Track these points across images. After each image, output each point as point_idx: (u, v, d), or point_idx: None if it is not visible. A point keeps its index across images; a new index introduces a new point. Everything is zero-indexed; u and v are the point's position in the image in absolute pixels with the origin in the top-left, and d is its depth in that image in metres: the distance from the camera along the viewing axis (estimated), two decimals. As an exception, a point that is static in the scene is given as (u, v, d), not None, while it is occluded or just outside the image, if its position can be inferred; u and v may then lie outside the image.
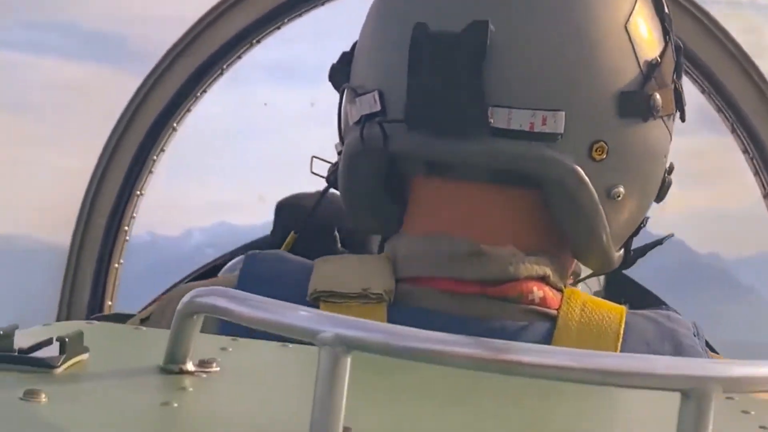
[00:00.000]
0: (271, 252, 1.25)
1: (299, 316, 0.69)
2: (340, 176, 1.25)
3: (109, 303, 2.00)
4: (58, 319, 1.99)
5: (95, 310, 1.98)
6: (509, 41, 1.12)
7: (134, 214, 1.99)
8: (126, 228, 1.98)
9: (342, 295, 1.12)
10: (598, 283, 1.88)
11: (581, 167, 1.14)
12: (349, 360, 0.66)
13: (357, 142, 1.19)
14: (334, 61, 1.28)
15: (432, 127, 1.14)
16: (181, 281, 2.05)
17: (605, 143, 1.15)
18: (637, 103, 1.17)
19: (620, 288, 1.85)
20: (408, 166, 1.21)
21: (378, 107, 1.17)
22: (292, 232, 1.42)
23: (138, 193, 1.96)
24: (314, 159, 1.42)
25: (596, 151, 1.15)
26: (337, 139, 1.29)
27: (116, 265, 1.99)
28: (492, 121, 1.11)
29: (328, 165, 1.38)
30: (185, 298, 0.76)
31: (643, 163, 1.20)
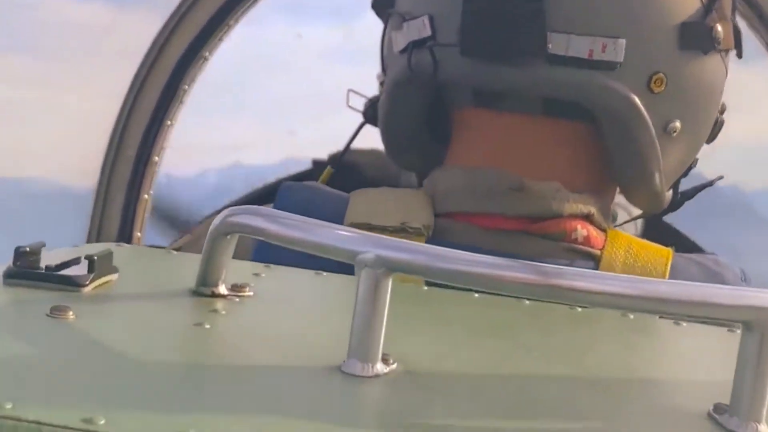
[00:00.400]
0: (306, 183, 1.22)
1: (338, 235, 0.66)
2: (381, 106, 1.20)
3: (138, 234, 1.98)
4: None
5: (124, 241, 1.96)
6: None
7: (164, 145, 1.96)
8: (156, 159, 1.95)
9: (379, 228, 1.09)
10: (635, 227, 1.83)
11: (639, 99, 1.10)
12: (390, 282, 0.63)
13: (404, 69, 1.15)
14: None
15: (486, 53, 1.09)
16: (212, 214, 2.03)
17: (664, 75, 1.11)
18: (699, 34, 1.12)
19: (659, 233, 1.80)
20: (455, 96, 1.17)
21: (428, 32, 1.12)
22: (329, 167, 1.38)
23: (168, 123, 1.93)
24: (350, 92, 1.38)
25: (655, 82, 1.11)
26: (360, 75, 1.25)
27: (146, 196, 1.96)
28: (550, 47, 1.07)
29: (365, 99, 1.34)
30: (218, 218, 0.73)
31: (700, 99, 1.16)
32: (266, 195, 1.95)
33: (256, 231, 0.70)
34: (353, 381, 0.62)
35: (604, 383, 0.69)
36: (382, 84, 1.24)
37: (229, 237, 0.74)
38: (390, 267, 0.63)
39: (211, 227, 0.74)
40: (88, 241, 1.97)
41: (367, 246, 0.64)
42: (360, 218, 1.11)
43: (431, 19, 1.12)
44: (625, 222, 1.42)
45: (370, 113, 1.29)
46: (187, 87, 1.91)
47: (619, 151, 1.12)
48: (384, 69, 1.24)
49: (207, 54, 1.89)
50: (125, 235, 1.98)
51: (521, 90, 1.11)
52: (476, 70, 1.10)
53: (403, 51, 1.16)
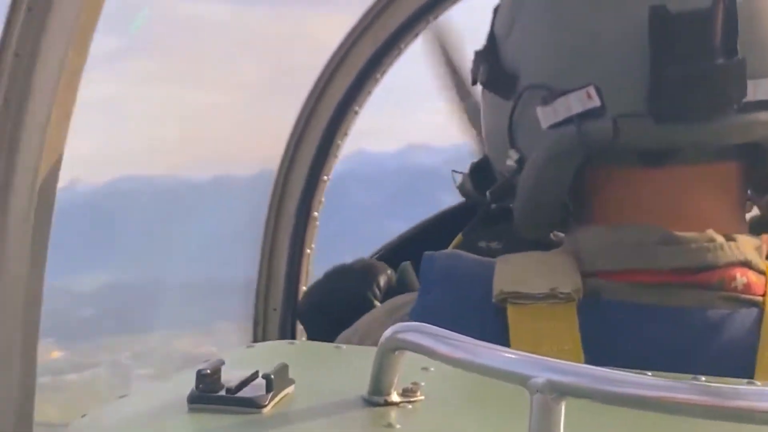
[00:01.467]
0: (447, 252, 1.21)
1: (506, 359, 0.66)
2: (528, 183, 1.15)
3: (304, 288, 2.03)
4: (256, 304, 2.03)
5: (291, 296, 2.01)
6: (751, 8, 1.08)
7: (321, 199, 2.00)
8: (315, 214, 2.00)
9: (529, 296, 1.08)
10: None
11: None
12: (563, 407, 0.63)
13: (565, 143, 1.11)
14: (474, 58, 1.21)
15: (685, 116, 1.07)
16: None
17: None
18: None
19: None
20: (611, 158, 1.14)
21: (596, 103, 1.10)
22: (460, 235, 1.38)
23: (325, 178, 1.97)
24: (454, 173, 1.33)
25: None
26: None
27: (308, 251, 2.01)
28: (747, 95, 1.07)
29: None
30: (387, 333, 0.74)
31: None
32: (406, 248, 1.89)
33: (424, 350, 0.71)
34: None
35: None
36: (518, 162, 1.18)
37: (397, 353, 0.75)
38: (562, 392, 0.62)
39: (380, 343, 0.75)
40: (257, 298, 2.03)
41: (537, 370, 0.63)
42: (509, 287, 1.09)
43: (598, 90, 1.11)
44: None
45: (494, 192, 1.23)
46: (340, 142, 1.95)
47: None
48: (513, 144, 1.18)
49: (357, 108, 1.93)
50: (291, 290, 2.03)
51: (712, 143, 1.10)
52: (666, 133, 1.09)
53: (555, 126, 1.13)
